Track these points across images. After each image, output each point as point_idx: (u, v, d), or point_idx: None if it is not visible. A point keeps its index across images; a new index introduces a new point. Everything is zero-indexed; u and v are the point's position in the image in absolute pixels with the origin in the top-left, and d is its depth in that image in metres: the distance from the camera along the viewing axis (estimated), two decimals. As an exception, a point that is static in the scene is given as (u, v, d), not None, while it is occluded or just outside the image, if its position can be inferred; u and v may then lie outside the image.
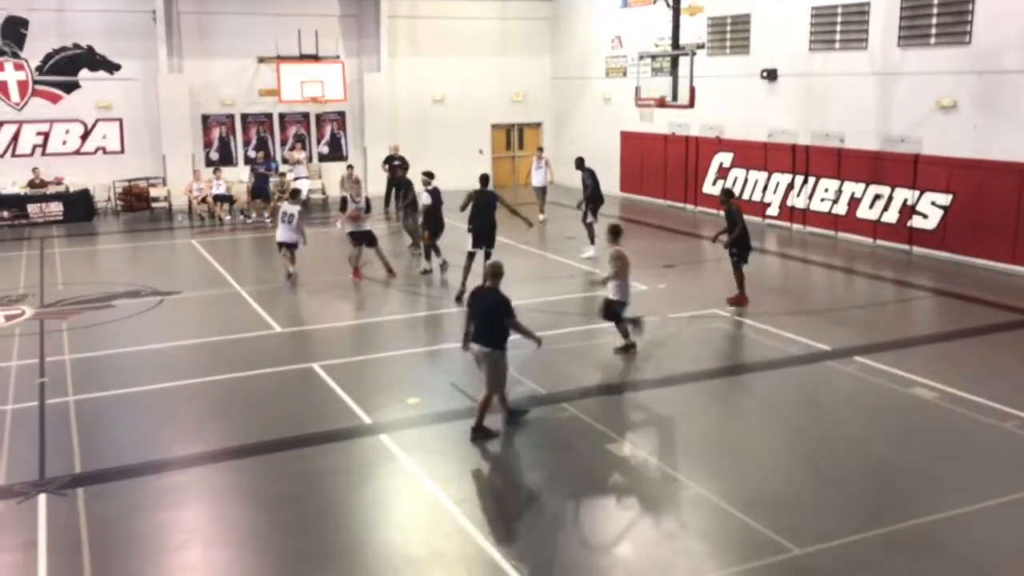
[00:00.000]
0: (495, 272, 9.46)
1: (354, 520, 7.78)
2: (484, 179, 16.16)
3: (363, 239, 16.52)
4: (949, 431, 9.48)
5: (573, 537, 7.54)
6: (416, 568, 7.02)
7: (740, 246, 14.17)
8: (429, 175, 16.70)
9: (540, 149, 24.41)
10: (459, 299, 14.31)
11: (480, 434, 9.30)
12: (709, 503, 7.89)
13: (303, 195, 19.22)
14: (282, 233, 16.33)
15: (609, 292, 11.74)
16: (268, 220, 22.90)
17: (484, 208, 15.12)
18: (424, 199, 16.52)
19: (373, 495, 8.21)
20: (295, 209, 16.35)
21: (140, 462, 8.88)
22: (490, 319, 9.18)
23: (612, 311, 11.75)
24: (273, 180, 24.57)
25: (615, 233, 12.09)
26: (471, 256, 14.84)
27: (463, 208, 15.34)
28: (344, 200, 17.22)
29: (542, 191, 22.83)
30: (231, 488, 8.45)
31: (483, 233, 14.93)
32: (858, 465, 8.64)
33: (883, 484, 8.24)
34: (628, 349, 11.89)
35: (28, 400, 10.57)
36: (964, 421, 9.66)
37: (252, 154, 25.74)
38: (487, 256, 14.27)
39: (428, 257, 16.83)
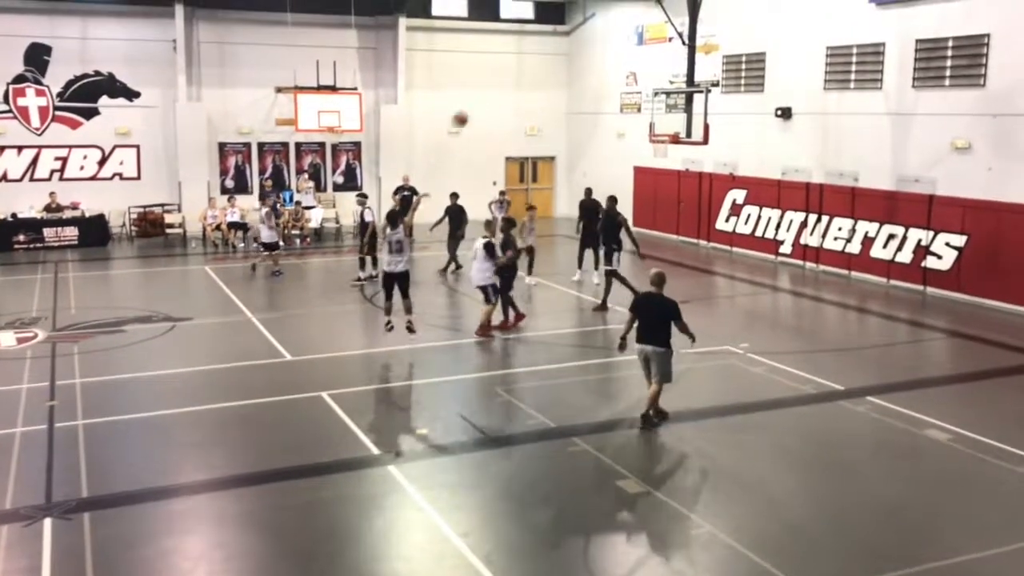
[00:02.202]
0: (662, 280, 10.53)
1: (360, 551, 7.72)
2: (589, 192, 19.16)
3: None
4: (962, 474, 9.36)
5: (581, 574, 7.44)
6: (421, 602, 6.94)
7: (506, 274, 14.76)
8: (364, 196, 19.72)
9: (503, 193, 23.00)
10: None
11: (653, 421, 10.46)
12: (719, 542, 7.79)
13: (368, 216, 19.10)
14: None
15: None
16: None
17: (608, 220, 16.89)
18: (367, 216, 18.76)
19: (380, 526, 8.15)
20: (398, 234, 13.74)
21: (147, 488, 8.85)
22: (662, 321, 10.26)
23: None
24: (288, 208, 24.80)
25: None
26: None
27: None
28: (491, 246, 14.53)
29: None
30: (237, 516, 8.40)
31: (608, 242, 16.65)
32: (869, 507, 8.53)
33: (894, 526, 8.12)
34: None
35: (37, 423, 10.57)
36: (978, 464, 9.54)
37: (261, 182, 25.82)
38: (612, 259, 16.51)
39: (363, 268, 18.90)
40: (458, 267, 19.60)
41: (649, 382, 10.49)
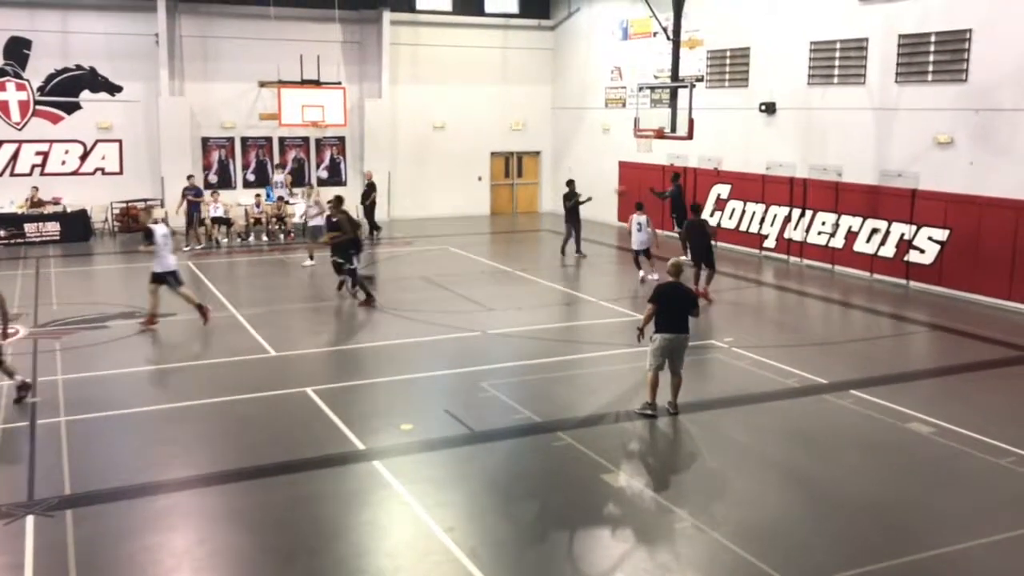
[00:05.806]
0: (681, 269, 10.73)
1: (345, 546, 7.70)
2: (698, 210, 18.18)
3: None
4: (945, 466, 9.43)
5: (566, 567, 7.45)
6: (407, 597, 6.93)
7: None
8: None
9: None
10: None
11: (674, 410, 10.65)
12: (704, 535, 7.82)
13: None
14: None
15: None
16: (199, 247, 22.41)
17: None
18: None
19: (365, 521, 8.13)
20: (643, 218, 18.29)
21: (130, 484, 8.80)
22: (686, 308, 10.47)
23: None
24: (270, 204, 24.72)
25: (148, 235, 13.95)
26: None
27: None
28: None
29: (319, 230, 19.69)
30: (221, 512, 8.37)
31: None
32: (853, 499, 8.58)
33: (878, 519, 8.17)
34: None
35: (19, 420, 10.50)
36: (960, 456, 9.61)
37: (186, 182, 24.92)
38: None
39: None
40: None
41: (655, 374, 10.56)
